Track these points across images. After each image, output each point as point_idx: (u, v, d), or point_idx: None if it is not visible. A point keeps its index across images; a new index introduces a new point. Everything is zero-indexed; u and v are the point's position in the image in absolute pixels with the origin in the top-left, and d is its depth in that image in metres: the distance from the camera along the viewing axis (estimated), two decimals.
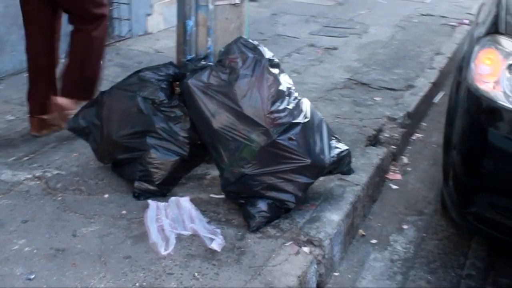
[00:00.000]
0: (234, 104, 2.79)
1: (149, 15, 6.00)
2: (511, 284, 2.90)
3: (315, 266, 2.72)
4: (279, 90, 2.84)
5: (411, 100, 4.62)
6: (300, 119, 2.88)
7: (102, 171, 3.30)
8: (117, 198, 3.08)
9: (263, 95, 2.79)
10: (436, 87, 5.17)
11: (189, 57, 3.21)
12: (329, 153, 2.98)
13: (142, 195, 3.06)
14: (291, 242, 2.77)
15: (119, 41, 5.70)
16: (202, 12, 3.17)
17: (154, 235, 2.70)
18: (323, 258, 2.79)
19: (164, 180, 3.06)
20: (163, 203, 2.94)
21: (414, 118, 4.52)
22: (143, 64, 5.19)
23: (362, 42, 6.28)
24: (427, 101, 4.91)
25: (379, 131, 4.07)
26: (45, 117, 3.62)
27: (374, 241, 3.19)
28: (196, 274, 2.53)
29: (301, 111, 2.93)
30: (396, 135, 4.10)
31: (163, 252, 2.62)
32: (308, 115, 2.96)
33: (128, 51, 5.53)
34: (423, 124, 4.73)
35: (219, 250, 2.66)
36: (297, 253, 2.71)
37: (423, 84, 5.01)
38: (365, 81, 5.04)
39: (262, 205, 2.86)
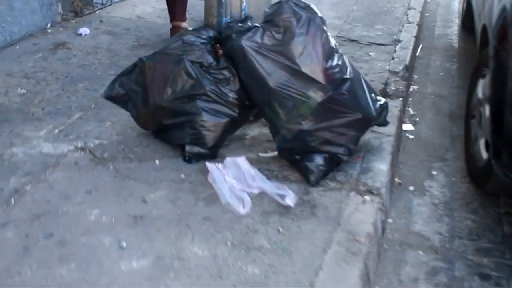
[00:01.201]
0: (291, 63, 2.86)
1: None
2: None
3: (380, 213, 2.86)
4: (331, 47, 2.94)
5: (404, 54, 4.80)
6: (348, 75, 2.99)
7: (144, 138, 3.30)
8: (168, 163, 3.10)
9: (319, 52, 2.87)
10: (417, 40, 5.38)
11: (225, 19, 3.23)
12: (374, 105, 3.11)
13: (193, 159, 3.10)
14: (353, 192, 2.90)
15: (101, 9, 5.57)
16: None
17: (228, 196, 2.76)
18: (382, 205, 2.93)
19: (216, 142, 3.10)
20: (220, 164, 2.99)
21: (409, 71, 4.70)
22: (131, 30, 5.15)
23: (335, 0, 6.39)
24: (413, 54, 5.10)
25: (386, 84, 4.23)
26: None
27: (411, 188, 3.36)
28: (280, 228, 2.62)
29: (347, 66, 3.04)
30: (401, 87, 4.27)
31: (242, 211, 2.69)
32: (352, 70, 3.07)
33: (111, 19, 5.43)
34: (415, 76, 4.92)
35: (292, 205, 2.76)
36: (364, 202, 2.84)
37: (408, 38, 5.20)
38: (353, 37, 5.18)
39: (319, 160, 2.97)
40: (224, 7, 3.21)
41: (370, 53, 4.80)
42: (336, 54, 2.94)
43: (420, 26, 5.70)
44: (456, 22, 6.36)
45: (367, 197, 2.89)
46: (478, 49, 3.71)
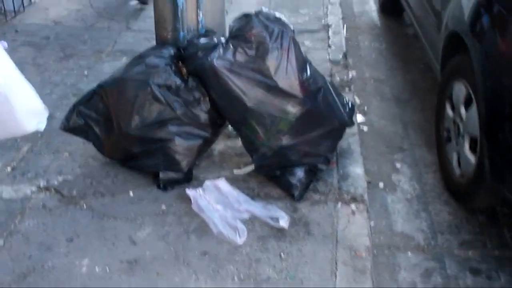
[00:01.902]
0: (267, 79, 2.79)
1: None
2: None
3: (368, 221, 2.88)
4: (303, 58, 2.89)
5: (339, 40, 4.82)
6: (320, 83, 2.96)
7: (110, 168, 3.14)
8: (144, 193, 2.97)
9: (293, 65, 2.81)
10: (343, 21, 5.41)
11: (182, 34, 3.10)
12: (344, 110, 3.11)
13: (168, 185, 2.99)
14: (340, 203, 2.90)
15: (13, 17, 5.19)
16: None
17: (220, 225, 2.68)
18: (367, 212, 2.95)
19: (191, 166, 3.00)
20: (200, 189, 2.89)
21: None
22: (52, 39, 4.85)
23: None
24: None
25: (331, 76, 4.24)
26: None
27: (381, 184, 3.41)
28: (281, 254, 2.58)
29: (317, 75, 3.00)
30: (345, 77, 4.30)
31: (238, 241, 2.62)
32: (319, 76, 3.04)
33: (26, 27, 5.08)
34: (349, 60, 4.96)
35: (287, 227, 2.72)
36: (353, 213, 2.85)
37: (336, 22, 5.23)
38: None
39: (300, 173, 2.94)
40: (181, 21, 3.05)
41: (305, 42, 4.77)
42: (308, 64, 2.89)
43: (340, 5, 5.73)
44: None
45: (354, 206, 2.90)
46: (440, 58, 3.48)
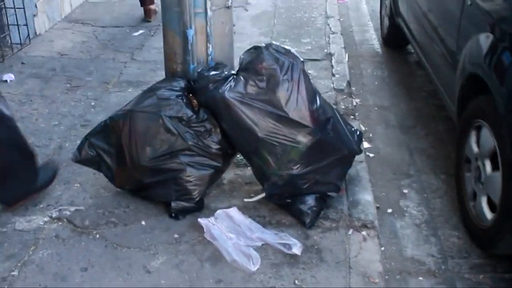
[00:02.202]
0: (278, 110, 2.83)
1: (35, 15, 5.58)
2: None
3: (379, 247, 2.91)
4: (313, 89, 2.94)
5: (342, 69, 4.89)
6: (329, 113, 3.01)
7: (121, 198, 3.17)
8: (155, 222, 3.00)
9: (304, 96, 2.86)
10: (345, 50, 5.49)
11: (192, 67, 3.16)
12: (353, 138, 3.15)
13: (180, 215, 3.02)
14: (351, 230, 2.93)
15: (20, 50, 5.25)
16: (199, 19, 3.12)
17: (234, 253, 2.70)
18: (377, 238, 2.98)
19: (202, 195, 3.03)
20: (212, 219, 2.92)
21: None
22: (58, 71, 4.91)
23: (252, 15, 6.40)
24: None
25: (336, 104, 4.29)
26: None
27: (390, 210, 3.43)
28: (296, 281, 2.60)
29: (326, 105, 3.05)
30: (350, 105, 4.35)
31: (252, 268, 2.65)
32: (329, 106, 3.10)
33: (32, 59, 5.14)
34: (353, 88, 5.02)
35: (299, 254, 2.74)
36: (364, 239, 2.88)
37: (338, 51, 5.30)
38: None
39: (311, 201, 2.98)
40: (191, 54, 3.11)
41: (309, 71, 4.81)
42: (317, 95, 2.94)
43: (342, 34, 5.81)
44: (370, 25, 6.54)
45: (365, 232, 2.93)
46: (456, 99, 3.32)
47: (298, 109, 2.84)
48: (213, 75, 2.97)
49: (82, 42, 5.57)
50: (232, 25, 3.30)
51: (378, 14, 6.61)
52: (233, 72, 2.97)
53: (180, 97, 2.97)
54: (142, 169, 2.98)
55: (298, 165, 2.90)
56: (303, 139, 2.87)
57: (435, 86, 4.08)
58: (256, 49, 2.91)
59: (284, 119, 2.84)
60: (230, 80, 2.88)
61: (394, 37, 5.60)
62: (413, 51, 5.13)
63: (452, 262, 3.02)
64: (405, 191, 3.62)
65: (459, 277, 2.93)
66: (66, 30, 5.86)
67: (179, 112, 2.92)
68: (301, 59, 2.90)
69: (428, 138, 4.17)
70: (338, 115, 3.15)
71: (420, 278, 2.93)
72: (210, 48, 3.15)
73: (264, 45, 2.91)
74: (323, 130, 2.91)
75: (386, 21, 5.69)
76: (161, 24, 5.90)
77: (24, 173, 3.03)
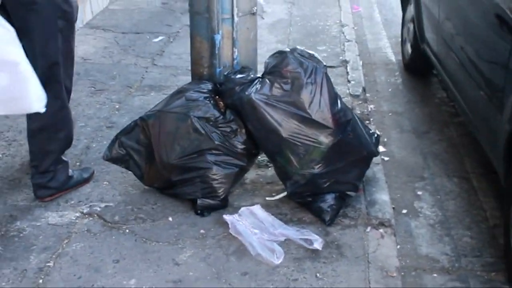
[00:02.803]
0: (302, 112, 2.98)
1: None
2: None
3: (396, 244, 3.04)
4: (335, 92, 3.08)
5: (358, 76, 5.03)
6: (349, 116, 3.15)
7: (149, 196, 3.31)
8: (182, 219, 3.14)
9: (326, 99, 3.01)
10: (359, 57, 5.64)
11: (218, 70, 3.30)
12: (371, 140, 3.29)
13: (205, 211, 3.15)
14: (369, 228, 3.06)
15: None
16: (226, 25, 3.27)
17: (258, 248, 2.84)
18: (394, 235, 3.11)
19: (227, 193, 3.17)
20: (237, 215, 3.06)
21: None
22: (82, 75, 5.06)
23: (268, 23, 6.55)
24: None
25: (352, 109, 4.42)
26: None
27: (404, 211, 3.56)
28: (317, 274, 2.74)
29: (347, 108, 3.19)
30: (365, 110, 4.50)
31: (276, 261, 2.78)
32: (349, 109, 3.24)
33: None
34: (367, 94, 5.16)
35: (320, 249, 2.88)
36: (382, 236, 3.01)
37: (353, 58, 5.45)
38: None
39: (331, 199, 3.12)
40: (218, 59, 3.26)
41: None
42: (338, 98, 3.08)
43: (356, 42, 5.96)
44: (384, 34, 6.68)
45: (382, 230, 3.06)
46: (502, 150, 2.93)
47: (321, 111, 2.98)
48: (239, 78, 3.12)
49: (104, 48, 5.73)
50: (256, 31, 3.45)
51: (391, 23, 6.77)
52: (258, 75, 3.11)
53: (207, 99, 3.12)
54: (171, 167, 3.12)
55: (319, 165, 3.04)
56: (325, 139, 3.01)
57: (471, 126, 3.71)
58: (281, 53, 3.06)
59: (307, 120, 2.98)
60: (256, 83, 3.03)
61: (418, 64, 5.22)
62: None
63: (465, 260, 3.15)
64: (419, 193, 3.75)
65: (472, 275, 3.05)
66: (88, 36, 6.03)
67: (207, 113, 3.07)
68: (324, 64, 3.04)
69: (441, 143, 4.30)
70: (357, 118, 3.29)
71: (435, 274, 3.05)
72: (236, 53, 3.30)
73: (289, 49, 3.05)
74: (343, 132, 3.05)
75: (408, 46, 5.37)
76: (180, 31, 6.13)
77: (62, 166, 3.28)
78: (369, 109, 4.79)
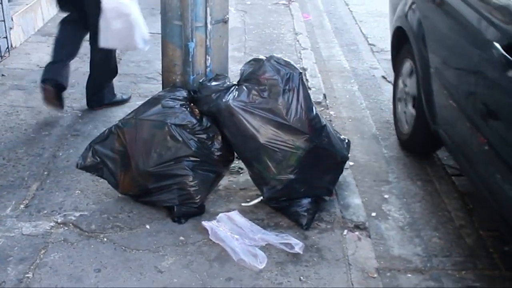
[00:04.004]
0: (280, 118, 3.03)
1: (11, 28, 5.63)
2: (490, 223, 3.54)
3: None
4: (310, 98, 3.14)
5: (317, 83, 5.13)
6: (324, 122, 3.22)
7: (124, 204, 3.29)
8: (160, 226, 3.14)
9: (302, 105, 3.07)
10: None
11: (192, 78, 3.32)
12: (343, 145, 3.37)
13: (182, 218, 3.16)
14: (346, 231, 3.14)
15: (0, 62, 5.30)
16: (199, 33, 3.29)
17: (241, 253, 2.87)
18: (370, 237, 3.20)
19: (204, 200, 3.19)
20: (215, 222, 3.08)
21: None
22: (38, 82, 4.94)
23: None
24: None
25: None
26: None
27: (373, 214, 3.65)
28: (301, 278, 2.79)
29: (320, 114, 3.26)
30: (327, 117, 4.59)
31: (260, 266, 2.82)
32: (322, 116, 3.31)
33: (11, 71, 5.19)
34: (326, 101, 5.26)
35: (301, 253, 2.93)
36: (359, 239, 3.09)
37: (311, 65, 5.55)
38: None
39: (307, 204, 3.18)
40: (191, 66, 3.28)
41: None
42: (313, 104, 3.15)
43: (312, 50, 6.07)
44: (335, 42, 6.81)
45: (358, 233, 3.14)
46: None
47: (298, 117, 3.04)
48: (215, 85, 3.15)
49: None
50: (228, 38, 3.48)
51: (341, 31, 6.93)
52: (234, 83, 3.14)
53: (184, 106, 3.13)
54: (147, 174, 3.11)
55: (296, 170, 3.09)
56: (302, 145, 3.06)
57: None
58: (257, 61, 3.10)
59: (285, 127, 3.03)
60: (233, 90, 3.07)
61: (424, 144, 4.11)
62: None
63: (436, 260, 3.25)
64: (386, 196, 3.85)
65: (444, 274, 3.16)
66: (40, 43, 5.91)
67: (184, 120, 3.08)
68: (299, 70, 3.10)
69: (402, 148, 4.42)
70: (328, 124, 3.36)
71: (409, 275, 3.14)
72: (209, 60, 3.33)
73: (265, 57, 3.10)
74: (319, 137, 3.11)
75: (410, 119, 4.11)
76: None
77: (109, 85, 4.48)
78: (330, 115, 4.88)
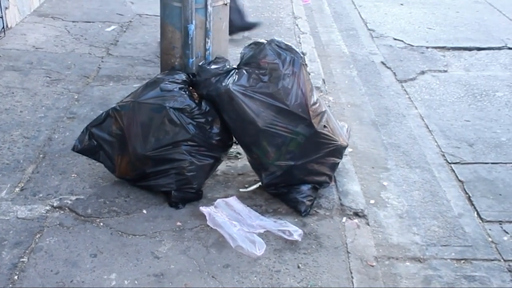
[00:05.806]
0: (280, 103, 2.98)
1: (7, 8, 5.55)
2: None
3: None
4: (311, 83, 3.10)
5: (316, 68, 5.08)
6: (324, 108, 3.18)
7: (120, 188, 3.25)
8: (157, 211, 3.10)
9: (303, 90, 3.02)
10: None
11: (191, 61, 3.27)
12: (343, 132, 3.33)
13: (179, 203, 3.12)
14: (345, 218, 3.11)
15: None
16: (199, 15, 3.23)
17: (239, 239, 2.83)
18: (368, 225, 3.17)
19: (201, 185, 3.15)
20: (213, 207, 3.05)
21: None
22: (35, 64, 4.91)
23: None
24: None
25: None
26: None
27: (372, 201, 3.62)
28: (299, 265, 2.76)
29: (320, 100, 3.22)
30: (326, 102, 4.54)
31: (258, 253, 2.78)
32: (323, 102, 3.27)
33: (7, 52, 5.12)
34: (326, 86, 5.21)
35: (300, 240, 2.90)
36: (358, 227, 3.06)
37: (310, 50, 5.50)
38: None
39: (306, 190, 3.14)
40: (191, 49, 3.22)
41: None
42: (314, 89, 3.10)
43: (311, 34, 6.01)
44: (334, 27, 6.75)
45: (357, 220, 3.11)
46: None
47: (299, 102, 2.99)
48: (214, 68, 3.09)
49: (56, 36, 5.57)
50: (228, 21, 3.42)
51: (340, 16, 6.87)
52: (234, 66, 3.09)
53: (183, 90, 3.07)
54: (145, 158, 3.07)
55: (296, 156, 3.05)
56: (302, 130, 3.02)
57: None
58: (257, 44, 3.04)
59: (285, 111, 2.99)
60: (233, 74, 3.01)
61: None
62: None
63: (434, 249, 3.23)
64: (385, 183, 3.82)
65: (442, 263, 3.13)
66: (37, 24, 5.84)
67: (183, 103, 3.03)
68: (301, 55, 3.05)
69: (400, 135, 4.38)
70: (328, 110, 3.32)
71: (407, 263, 3.12)
72: (209, 43, 3.27)
73: (266, 40, 3.04)
74: (319, 123, 3.07)
75: None
76: (132, 20, 6.02)
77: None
78: (329, 101, 4.84)
